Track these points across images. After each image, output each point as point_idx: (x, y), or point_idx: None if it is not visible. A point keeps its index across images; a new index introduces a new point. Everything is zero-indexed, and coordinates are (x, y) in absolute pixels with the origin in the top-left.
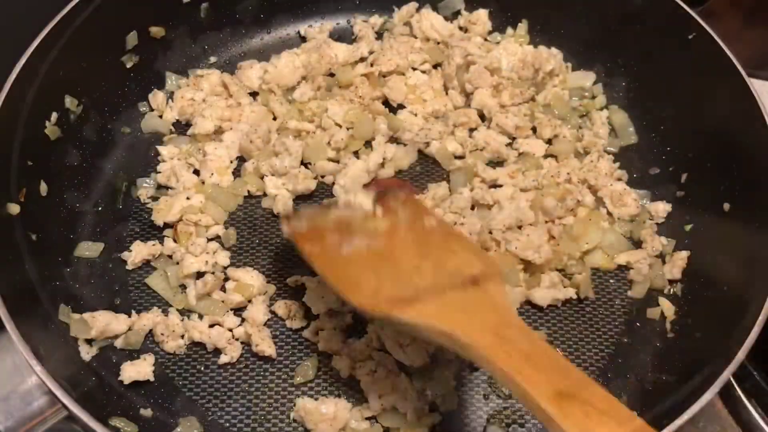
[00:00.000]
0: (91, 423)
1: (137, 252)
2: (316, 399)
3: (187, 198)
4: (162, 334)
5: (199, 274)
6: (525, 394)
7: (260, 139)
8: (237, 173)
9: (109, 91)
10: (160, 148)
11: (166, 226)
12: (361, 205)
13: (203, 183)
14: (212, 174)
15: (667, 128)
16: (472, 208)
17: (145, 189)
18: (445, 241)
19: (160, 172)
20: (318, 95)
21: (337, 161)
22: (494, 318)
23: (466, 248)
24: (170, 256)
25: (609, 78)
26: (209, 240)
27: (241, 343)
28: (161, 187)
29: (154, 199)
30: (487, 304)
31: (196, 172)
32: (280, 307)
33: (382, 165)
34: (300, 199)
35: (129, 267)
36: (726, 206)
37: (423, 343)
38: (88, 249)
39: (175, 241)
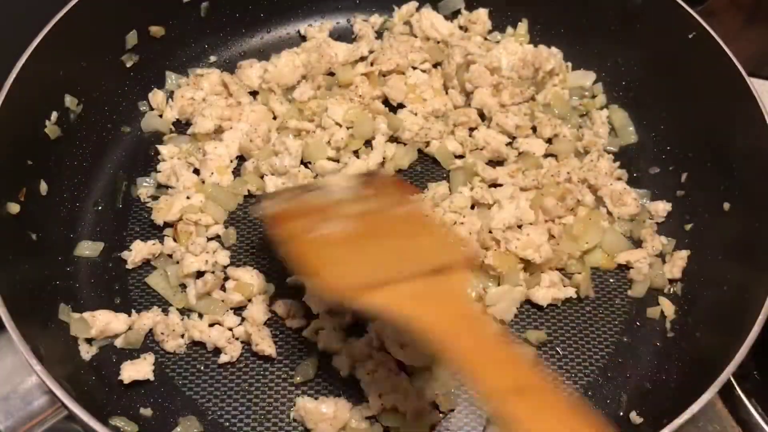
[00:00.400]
0: (91, 422)
1: (137, 251)
2: (316, 398)
3: (187, 197)
4: (162, 334)
5: (199, 274)
6: (475, 384)
7: (260, 139)
8: (237, 173)
9: (109, 91)
10: (160, 148)
11: (166, 225)
12: (340, 186)
13: (203, 182)
14: (212, 173)
15: (667, 128)
16: (472, 207)
17: (145, 188)
18: (417, 229)
19: (160, 172)
20: (318, 94)
21: (337, 160)
22: (452, 308)
23: (436, 237)
24: (170, 256)
25: (609, 78)
26: (209, 239)
27: (241, 342)
28: (161, 187)
29: (154, 198)
30: (447, 293)
31: (196, 172)
32: (280, 307)
33: (382, 164)
34: None
35: (129, 266)
36: (726, 206)
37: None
38: (88, 248)
39: (175, 240)
